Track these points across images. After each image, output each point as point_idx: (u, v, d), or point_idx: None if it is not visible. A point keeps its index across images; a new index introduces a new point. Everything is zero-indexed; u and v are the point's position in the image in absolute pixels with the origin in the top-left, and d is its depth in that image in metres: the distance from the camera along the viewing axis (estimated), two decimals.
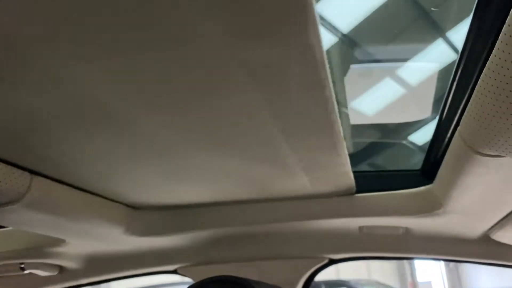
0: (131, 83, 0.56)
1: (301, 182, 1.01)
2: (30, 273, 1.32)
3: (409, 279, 18.47)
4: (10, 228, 1.20)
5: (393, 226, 1.21)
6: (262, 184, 1.02)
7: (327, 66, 0.56)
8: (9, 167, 0.77)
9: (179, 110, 0.64)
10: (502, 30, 0.45)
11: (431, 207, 1.07)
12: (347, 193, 1.13)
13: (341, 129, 0.76)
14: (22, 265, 1.28)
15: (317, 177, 0.99)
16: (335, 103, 0.66)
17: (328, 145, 0.81)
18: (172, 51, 0.50)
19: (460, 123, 0.68)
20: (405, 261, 19.26)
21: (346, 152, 0.87)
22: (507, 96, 0.50)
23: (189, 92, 0.59)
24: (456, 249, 1.28)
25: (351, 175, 1.02)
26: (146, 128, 0.68)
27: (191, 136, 0.73)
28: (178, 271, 1.43)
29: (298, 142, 0.78)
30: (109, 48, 0.48)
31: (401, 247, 1.33)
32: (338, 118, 0.71)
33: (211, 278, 0.94)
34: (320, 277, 1.49)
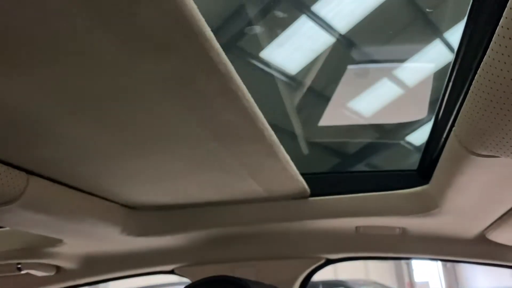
0: (60, 93, 0.58)
1: (252, 187, 1.04)
2: (27, 273, 1.32)
3: (406, 279, 18.48)
4: (7, 228, 1.20)
5: (389, 226, 1.22)
6: (222, 187, 1.04)
7: (236, 77, 0.59)
8: (5, 167, 0.77)
9: (112, 118, 0.66)
10: (496, 31, 0.46)
11: (427, 207, 1.08)
12: (301, 196, 1.15)
13: (273, 135, 0.79)
14: (19, 265, 1.28)
15: (264, 182, 1.01)
16: (258, 111, 0.69)
17: (264, 151, 0.83)
18: (77, 66, 0.52)
19: (455, 124, 0.69)
20: (402, 261, 19.29)
21: (286, 157, 0.89)
22: (500, 97, 0.50)
23: (113, 102, 0.61)
24: (452, 249, 1.28)
25: (299, 178, 1.04)
26: (79, 133, 0.70)
27: (135, 141, 0.75)
28: (175, 271, 1.43)
29: (234, 148, 0.81)
30: (31, 62, 0.50)
31: (398, 247, 1.33)
32: (267, 125, 0.74)
33: (207, 278, 0.94)
34: (317, 277, 1.49)
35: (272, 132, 0.78)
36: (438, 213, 1.06)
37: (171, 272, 1.44)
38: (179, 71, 0.55)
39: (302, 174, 1.04)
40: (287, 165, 0.93)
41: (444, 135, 0.97)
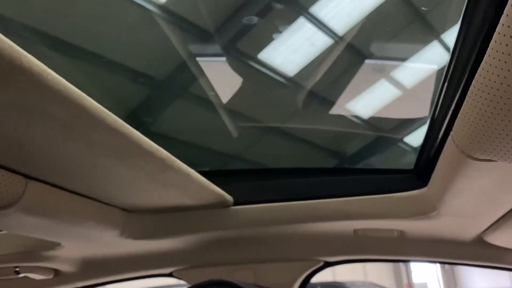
0: None
1: (182, 197, 1.07)
2: (25, 277, 1.32)
3: (405, 281, 18.49)
4: (5, 231, 1.20)
5: (387, 229, 1.22)
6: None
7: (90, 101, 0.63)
8: (3, 171, 0.77)
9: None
10: (493, 37, 0.46)
11: (425, 210, 1.08)
12: (223, 205, 1.17)
13: (161, 151, 0.82)
14: (17, 269, 1.28)
15: (185, 193, 1.04)
16: (131, 130, 0.73)
17: (159, 165, 0.86)
18: None
19: (453, 128, 0.69)
20: (401, 263, 19.31)
21: (188, 171, 0.92)
22: (498, 102, 0.50)
23: None
24: (450, 252, 1.28)
25: (213, 188, 1.06)
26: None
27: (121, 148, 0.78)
28: (173, 274, 1.43)
29: (136, 163, 0.83)
30: None
31: (396, 249, 1.34)
32: (147, 141, 0.77)
33: (206, 281, 0.94)
34: (316, 278, 1.49)
35: (158, 148, 0.81)
36: (436, 215, 1.06)
37: (170, 275, 1.44)
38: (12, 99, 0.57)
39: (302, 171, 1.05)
40: (189, 178, 0.95)
41: (440, 137, 0.97)
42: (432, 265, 17.32)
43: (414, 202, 1.10)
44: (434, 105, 0.96)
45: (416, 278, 18.17)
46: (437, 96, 0.92)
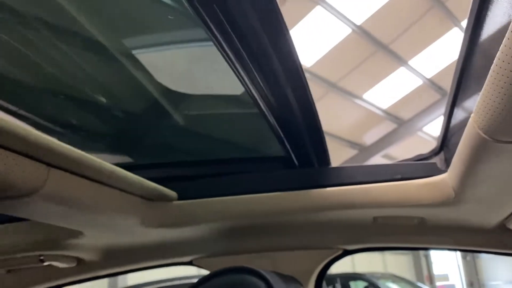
0: None
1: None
2: (49, 265, 1.35)
3: (425, 272, 18.33)
4: (30, 220, 1.23)
5: (407, 216, 1.21)
6: None
7: None
8: (26, 159, 0.79)
9: None
10: None
11: (445, 196, 1.06)
12: (167, 199, 1.19)
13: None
14: (42, 257, 1.31)
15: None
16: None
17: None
18: None
19: (474, 110, 0.68)
20: (421, 254, 19.16)
21: (109, 168, 0.94)
22: None
23: None
24: (472, 239, 1.27)
25: (148, 184, 1.08)
26: None
27: None
28: (193, 262, 1.44)
29: None
30: None
31: (416, 237, 1.32)
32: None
33: (226, 268, 0.95)
34: (335, 269, 1.49)
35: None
36: (457, 202, 1.05)
37: (190, 263, 1.45)
38: None
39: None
40: (119, 176, 0.98)
41: (461, 121, 0.96)
42: (453, 256, 17.12)
43: (434, 189, 1.09)
44: (454, 88, 0.95)
45: (436, 270, 18.01)
46: (457, 77, 0.91)
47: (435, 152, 1.18)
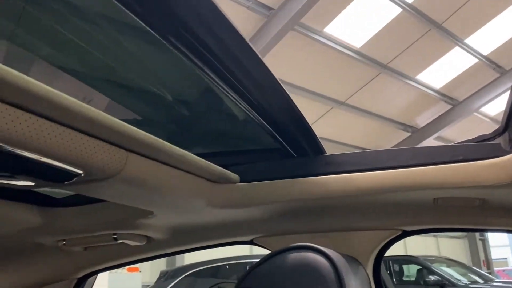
0: None
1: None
2: (122, 243, 1.45)
3: (482, 257, 17.73)
4: (105, 202, 1.33)
5: (468, 197, 1.21)
6: None
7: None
8: (107, 145, 0.86)
9: None
10: None
11: (510, 177, 1.06)
12: (230, 181, 1.25)
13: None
14: (115, 236, 1.41)
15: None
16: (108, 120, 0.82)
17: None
18: None
19: None
20: (477, 238, 18.50)
21: (179, 153, 1.00)
22: None
23: None
24: None
25: (214, 168, 1.14)
26: None
27: None
28: (254, 241, 1.51)
29: None
30: None
31: (477, 219, 1.32)
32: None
33: (290, 246, 0.99)
34: (387, 253, 1.50)
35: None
36: None
37: (251, 242, 1.52)
38: None
39: None
40: (189, 160, 1.05)
41: None
42: None
43: (498, 170, 1.08)
44: None
45: (495, 254, 17.38)
46: None
47: (498, 133, 1.16)
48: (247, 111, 1.12)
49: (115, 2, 0.75)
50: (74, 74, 1.15)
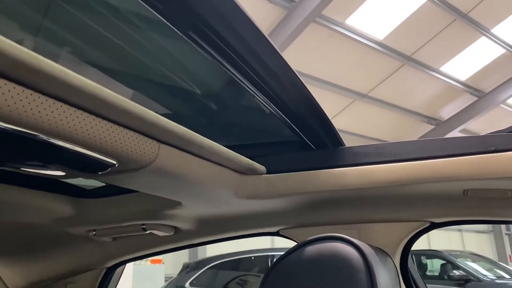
0: None
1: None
2: (150, 233, 1.48)
3: (508, 252, 17.38)
4: (134, 193, 1.35)
5: (500, 189, 1.19)
6: None
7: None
8: (141, 136, 0.88)
9: None
10: None
11: None
12: (257, 173, 1.27)
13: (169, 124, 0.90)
14: (144, 226, 1.44)
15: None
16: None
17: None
18: None
19: None
20: (504, 233, 18.13)
21: (208, 144, 1.01)
22: None
23: None
24: None
25: (242, 159, 1.16)
26: None
27: None
28: (280, 232, 1.51)
29: None
30: None
31: (508, 211, 1.29)
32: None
33: (319, 236, 1.00)
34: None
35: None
36: None
37: (277, 233, 1.53)
38: None
39: None
40: (218, 151, 1.07)
41: None
42: None
43: None
44: None
45: None
46: None
47: None
48: (267, 105, 1.12)
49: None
50: (104, 71, 1.17)
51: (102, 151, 0.81)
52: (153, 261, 10.09)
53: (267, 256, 7.12)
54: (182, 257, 11.22)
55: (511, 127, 1.20)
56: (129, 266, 8.85)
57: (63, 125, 0.71)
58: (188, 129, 0.94)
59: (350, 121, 12.30)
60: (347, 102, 11.94)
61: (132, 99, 0.79)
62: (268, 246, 8.14)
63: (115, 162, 0.86)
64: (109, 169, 0.88)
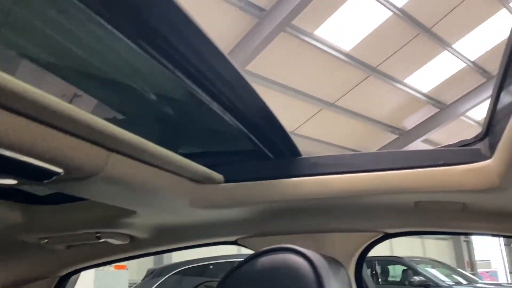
0: None
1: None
2: (105, 242, 1.45)
3: (466, 258, 17.94)
4: (88, 200, 1.32)
5: (450, 201, 1.22)
6: None
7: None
8: (89, 144, 0.86)
9: None
10: None
11: (489, 183, 1.07)
12: (214, 182, 1.25)
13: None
14: (98, 234, 1.40)
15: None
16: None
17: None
18: None
19: None
20: (462, 240, 18.72)
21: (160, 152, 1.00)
22: None
23: None
24: None
25: (198, 168, 1.15)
26: None
27: None
28: (238, 241, 1.51)
29: None
30: None
31: (458, 222, 1.33)
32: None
33: (271, 247, 1.00)
34: (373, 253, 1.52)
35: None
36: (501, 189, 1.05)
37: (235, 242, 1.52)
38: None
39: None
40: (172, 160, 1.05)
41: (508, 105, 0.96)
42: (496, 242, 16.66)
43: (478, 175, 1.10)
44: (502, 70, 0.94)
45: (478, 256, 17.59)
46: (505, 60, 0.91)
47: (479, 138, 1.18)
48: (223, 114, 1.12)
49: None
50: (59, 74, 1.14)
51: (46, 159, 0.78)
52: (117, 267, 9.88)
53: (233, 262, 7.10)
54: (147, 263, 11.03)
55: (460, 142, 1.24)
56: (91, 271, 8.62)
57: (3, 132, 0.68)
58: (141, 137, 0.93)
59: (317, 128, 12.45)
60: (315, 110, 12.09)
61: (89, 106, 0.77)
62: (235, 252, 8.11)
63: (60, 171, 0.84)
64: (54, 178, 0.86)
